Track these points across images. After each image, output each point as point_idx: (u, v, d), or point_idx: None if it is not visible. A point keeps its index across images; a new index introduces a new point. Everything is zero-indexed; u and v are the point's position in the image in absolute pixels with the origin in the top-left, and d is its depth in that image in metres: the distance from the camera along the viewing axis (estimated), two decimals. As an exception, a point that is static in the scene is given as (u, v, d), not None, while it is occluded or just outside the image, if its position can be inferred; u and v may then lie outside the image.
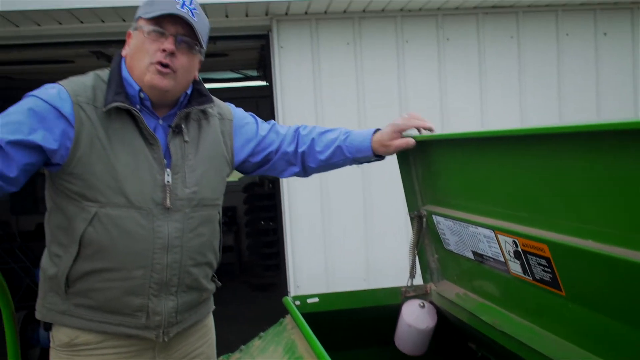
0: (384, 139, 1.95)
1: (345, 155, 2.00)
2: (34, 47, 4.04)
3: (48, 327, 1.80)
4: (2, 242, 7.25)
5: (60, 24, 3.77)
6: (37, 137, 1.58)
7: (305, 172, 2.08)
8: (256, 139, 1.99)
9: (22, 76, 6.53)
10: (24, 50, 4.19)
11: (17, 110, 1.61)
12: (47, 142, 1.60)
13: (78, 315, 1.74)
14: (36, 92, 1.66)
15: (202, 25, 1.75)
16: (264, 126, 2.03)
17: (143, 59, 1.69)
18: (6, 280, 2.03)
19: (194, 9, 1.72)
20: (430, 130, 1.94)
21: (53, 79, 1.76)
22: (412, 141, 1.93)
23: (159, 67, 1.68)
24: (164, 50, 1.67)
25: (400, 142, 1.93)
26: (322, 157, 2.01)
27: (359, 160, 2.03)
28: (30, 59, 5.26)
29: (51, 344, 1.80)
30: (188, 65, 1.74)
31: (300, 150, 2.01)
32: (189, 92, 1.82)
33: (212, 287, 1.97)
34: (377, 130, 1.99)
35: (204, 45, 1.76)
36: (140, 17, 1.72)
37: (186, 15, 1.68)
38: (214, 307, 2.06)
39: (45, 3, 3.36)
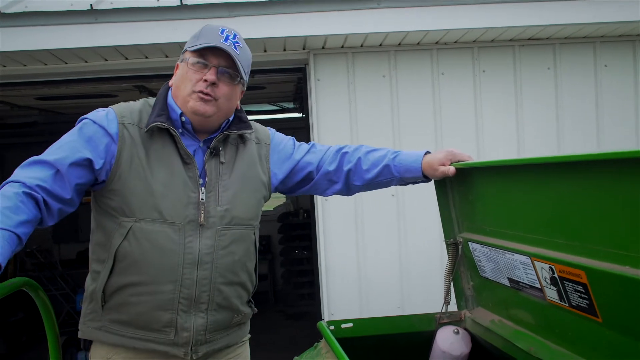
0: (434, 162, 1.97)
1: (392, 175, 2.01)
2: (81, 82, 4.22)
3: (88, 346, 1.87)
4: (44, 269, 7.45)
5: (106, 60, 3.93)
6: (87, 154, 1.72)
7: (349, 190, 2.10)
8: (294, 159, 2.04)
9: (69, 110, 6.80)
10: (72, 85, 4.38)
11: (70, 133, 1.78)
12: (95, 158, 1.73)
13: (112, 331, 1.82)
14: (88, 115, 1.82)
15: (244, 58, 1.85)
16: (303, 147, 2.09)
17: (186, 87, 1.80)
18: (50, 307, 2.11)
19: (237, 42, 1.82)
20: None
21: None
22: (452, 169, 1.95)
23: (201, 95, 1.78)
24: (205, 81, 1.78)
25: (444, 169, 1.96)
26: (369, 175, 2.03)
27: (405, 181, 2.05)
28: (76, 94, 5.48)
29: None
30: (229, 93, 1.83)
31: (345, 168, 2.04)
32: (231, 119, 1.92)
33: (246, 310, 1.99)
34: (427, 152, 2.01)
35: (246, 76, 1.86)
36: (186, 50, 1.84)
37: (228, 48, 1.78)
38: (249, 335, 2.08)
39: (93, 41, 3.52)
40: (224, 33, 1.80)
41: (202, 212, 1.80)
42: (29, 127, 7.17)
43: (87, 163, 1.73)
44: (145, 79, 4.35)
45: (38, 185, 1.61)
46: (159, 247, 1.75)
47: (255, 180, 1.95)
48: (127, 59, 3.93)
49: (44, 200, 1.62)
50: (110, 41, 3.54)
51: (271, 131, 2.08)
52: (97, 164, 1.74)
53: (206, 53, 1.79)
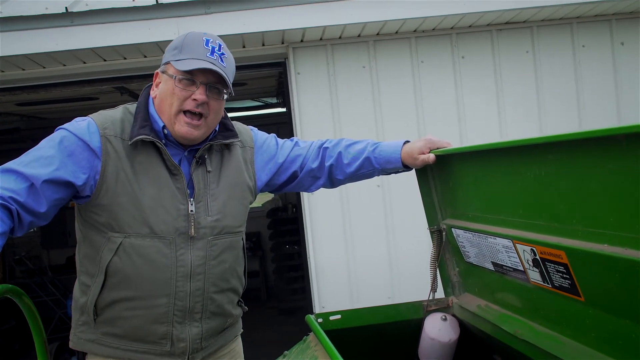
0: (414, 151, 1.96)
1: (373, 166, 2.01)
2: (60, 85, 4.18)
3: (82, 357, 1.86)
4: (34, 276, 7.41)
5: (84, 62, 3.90)
6: (67, 173, 1.65)
7: (332, 184, 2.09)
8: (278, 160, 2.01)
9: (50, 115, 6.74)
10: (51, 90, 4.34)
11: (49, 145, 1.68)
12: (76, 177, 1.67)
13: (106, 343, 1.80)
14: (67, 125, 1.73)
15: (231, 68, 1.79)
16: (286, 145, 2.05)
17: (173, 104, 1.73)
18: (38, 313, 2.09)
19: (223, 53, 1.75)
20: None
21: (80, 116, 1.83)
22: (432, 157, 1.94)
23: (188, 119, 1.72)
24: (194, 99, 1.72)
25: (424, 157, 1.95)
26: (351, 169, 2.02)
27: (387, 171, 2.05)
28: (57, 98, 5.43)
29: None
30: (218, 108, 1.79)
31: (327, 164, 2.03)
32: (217, 128, 1.87)
33: (238, 312, 2.00)
34: (407, 142, 2.00)
35: (231, 87, 1.80)
36: (169, 62, 1.75)
37: (216, 67, 1.71)
38: (242, 330, 2.09)
39: (70, 44, 3.49)
40: (209, 45, 1.73)
41: (192, 223, 1.77)
42: (11, 134, 7.10)
43: (65, 182, 1.65)
44: (125, 80, 4.31)
45: (11, 197, 1.57)
46: (151, 262, 1.73)
47: (242, 187, 1.92)
48: (105, 60, 3.91)
49: (17, 211, 1.58)
50: (87, 43, 3.51)
51: (253, 131, 2.04)
52: (80, 180, 1.67)
53: (193, 70, 1.71)
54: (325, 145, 2.06)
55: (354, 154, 2.02)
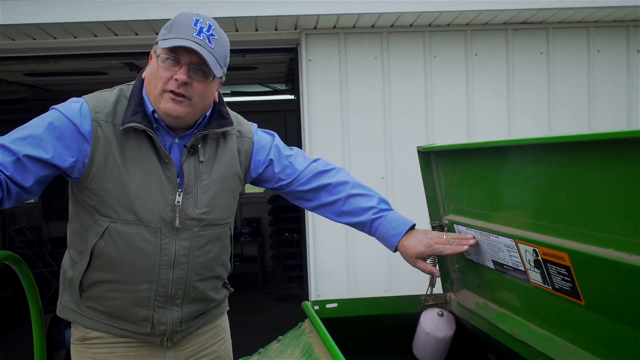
0: (412, 253, 1.86)
1: (368, 231, 1.95)
2: (70, 57, 4.16)
3: (67, 323, 1.88)
4: (33, 247, 7.43)
5: (95, 36, 3.88)
6: (53, 156, 1.63)
7: (316, 211, 2.01)
8: (269, 170, 1.95)
9: (58, 87, 6.72)
10: (60, 61, 4.32)
11: (39, 124, 1.66)
12: (63, 160, 1.65)
13: (89, 316, 1.83)
14: (59, 106, 1.71)
15: (221, 50, 1.71)
16: (282, 157, 1.97)
17: (157, 85, 1.68)
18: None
19: (212, 35, 1.68)
20: (470, 245, 1.86)
21: (87, 90, 1.82)
22: (437, 274, 1.94)
23: (172, 96, 1.67)
24: (177, 80, 1.66)
25: (423, 267, 1.87)
26: (345, 219, 1.96)
27: None
28: (66, 70, 5.42)
29: (71, 339, 1.90)
30: (204, 91, 1.72)
31: (324, 200, 1.96)
32: (208, 113, 1.81)
33: (222, 295, 2.00)
34: (413, 226, 1.90)
35: (223, 69, 1.74)
36: (158, 42, 1.70)
37: (200, 47, 1.64)
38: (228, 308, 2.10)
39: (82, 16, 3.47)
40: (198, 25, 1.66)
41: (178, 214, 1.75)
42: (17, 104, 7.09)
43: (51, 164, 1.64)
44: (135, 56, 4.29)
45: None
46: (135, 249, 1.73)
47: (234, 177, 1.89)
48: (116, 35, 3.88)
49: (6, 182, 1.57)
50: (99, 16, 3.48)
51: (254, 127, 1.98)
52: (66, 163, 1.66)
53: (178, 49, 1.65)
54: (328, 182, 1.96)
55: (355, 208, 1.94)
